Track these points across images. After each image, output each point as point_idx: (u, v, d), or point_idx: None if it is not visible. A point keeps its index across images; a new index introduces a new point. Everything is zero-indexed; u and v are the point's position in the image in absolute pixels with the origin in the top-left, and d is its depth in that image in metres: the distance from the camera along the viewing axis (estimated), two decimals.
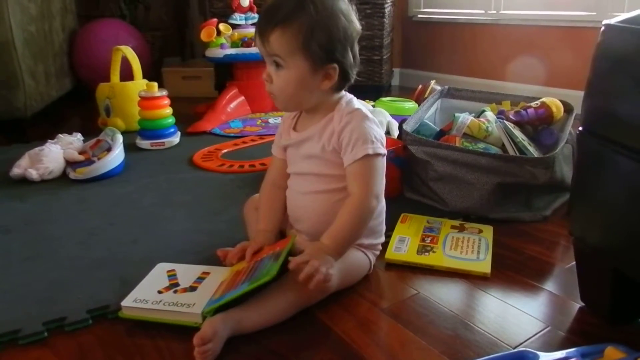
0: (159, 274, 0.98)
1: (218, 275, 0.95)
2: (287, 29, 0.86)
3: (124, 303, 0.88)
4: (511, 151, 1.31)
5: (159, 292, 0.91)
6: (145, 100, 1.91)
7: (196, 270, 0.98)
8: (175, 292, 0.91)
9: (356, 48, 0.94)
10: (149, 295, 0.90)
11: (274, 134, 2.11)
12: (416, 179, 1.36)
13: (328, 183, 0.96)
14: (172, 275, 0.97)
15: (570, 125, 1.41)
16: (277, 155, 1.06)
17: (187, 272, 0.97)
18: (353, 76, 0.94)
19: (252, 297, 0.84)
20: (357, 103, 0.96)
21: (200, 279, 0.95)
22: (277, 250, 0.89)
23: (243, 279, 0.86)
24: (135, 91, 2.00)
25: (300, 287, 0.85)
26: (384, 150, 0.93)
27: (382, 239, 1.04)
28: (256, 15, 2.42)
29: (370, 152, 0.90)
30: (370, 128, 0.92)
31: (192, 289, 0.92)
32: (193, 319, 0.85)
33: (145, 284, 0.94)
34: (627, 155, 0.72)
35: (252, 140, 1.99)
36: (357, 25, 0.93)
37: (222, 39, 2.30)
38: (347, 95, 0.97)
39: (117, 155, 1.63)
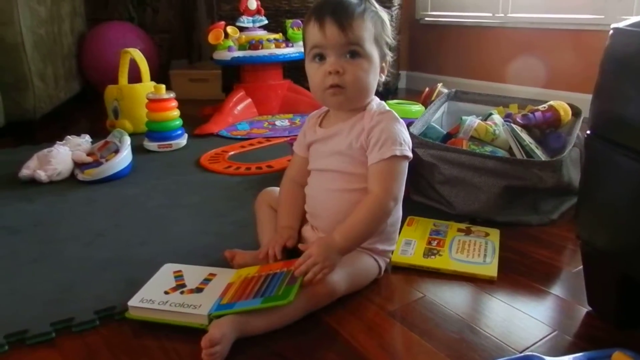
0: (165, 274, 0.98)
1: (225, 277, 0.95)
2: (367, 18, 0.92)
3: (130, 302, 0.88)
4: (518, 154, 1.30)
5: (165, 292, 0.91)
6: (153, 103, 1.92)
7: (203, 271, 0.98)
8: (181, 293, 0.91)
9: None
10: (155, 295, 0.90)
11: (281, 136, 2.11)
12: (423, 181, 1.36)
13: (350, 182, 0.96)
14: (178, 276, 0.97)
15: (578, 129, 1.41)
16: (299, 153, 1.07)
17: (193, 273, 0.97)
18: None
19: None
20: (387, 106, 0.98)
21: (206, 280, 0.95)
22: (291, 269, 0.88)
23: (255, 291, 0.86)
24: (143, 93, 2.01)
25: (308, 292, 0.85)
26: (410, 154, 0.94)
27: (394, 247, 1.05)
28: (264, 18, 2.42)
29: (398, 153, 0.91)
30: (400, 130, 0.94)
31: (199, 290, 0.92)
32: (199, 320, 0.85)
33: (152, 285, 0.94)
34: (635, 159, 0.72)
35: (259, 143, 1.99)
36: None
37: (230, 41, 2.31)
38: (376, 98, 0.99)
39: (124, 157, 1.64)
